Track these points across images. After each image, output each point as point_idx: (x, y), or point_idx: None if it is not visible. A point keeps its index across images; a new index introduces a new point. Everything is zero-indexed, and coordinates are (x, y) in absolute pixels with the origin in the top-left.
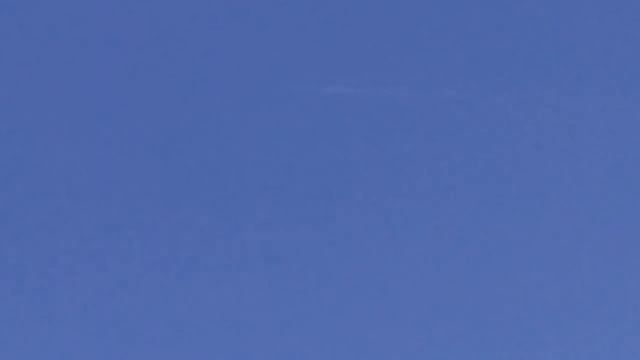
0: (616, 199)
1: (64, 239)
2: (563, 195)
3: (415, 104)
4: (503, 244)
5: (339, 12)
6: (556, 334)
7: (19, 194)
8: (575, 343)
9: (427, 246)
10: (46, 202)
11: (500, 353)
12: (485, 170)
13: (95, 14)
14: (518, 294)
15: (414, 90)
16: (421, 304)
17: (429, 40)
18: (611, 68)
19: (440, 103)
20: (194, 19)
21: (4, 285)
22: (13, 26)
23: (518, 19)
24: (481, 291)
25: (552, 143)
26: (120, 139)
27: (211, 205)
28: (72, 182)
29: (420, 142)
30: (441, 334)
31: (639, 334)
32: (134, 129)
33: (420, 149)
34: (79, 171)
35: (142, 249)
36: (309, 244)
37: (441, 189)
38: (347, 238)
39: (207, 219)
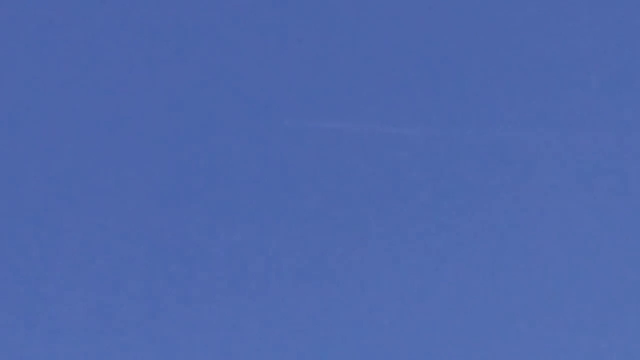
0: (617, 203)
1: (64, 239)
2: (565, 201)
3: (415, 140)
4: (504, 249)
5: (339, 45)
6: (556, 334)
7: (19, 194)
8: (575, 343)
9: (428, 254)
10: (46, 202)
11: (500, 353)
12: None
13: (83, 21)
14: (519, 295)
15: (415, 127)
16: (422, 306)
17: (427, 76)
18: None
19: (436, 140)
20: (191, 47)
21: (3, 285)
22: (13, 26)
23: (520, 52)
24: (481, 294)
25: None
26: (114, 146)
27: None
28: (69, 182)
29: (417, 178)
30: (441, 335)
31: (638, 333)
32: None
33: (419, 185)
34: (76, 172)
35: (141, 250)
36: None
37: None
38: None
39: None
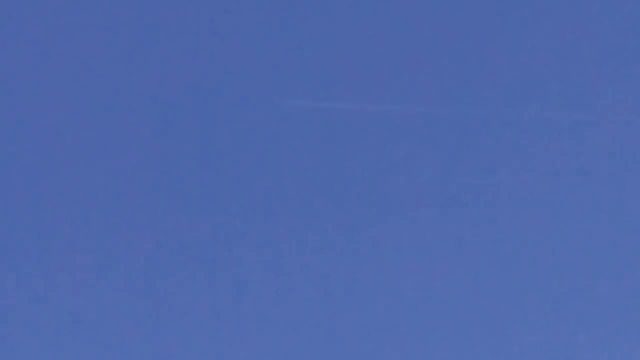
0: (618, 202)
1: (63, 238)
2: (568, 197)
3: (409, 119)
4: (506, 249)
5: (336, 25)
6: (556, 335)
7: (18, 194)
8: (574, 344)
9: (429, 252)
10: (46, 202)
11: (501, 353)
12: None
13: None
14: (519, 296)
15: (408, 105)
16: (422, 308)
17: (422, 55)
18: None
19: (432, 118)
20: (186, 30)
21: (4, 285)
22: (12, 26)
23: (516, 32)
24: (482, 295)
25: (555, 152)
26: (112, 145)
27: (204, 215)
28: (68, 182)
29: (410, 156)
30: (442, 336)
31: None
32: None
33: (411, 162)
34: (73, 173)
35: (139, 252)
36: (310, 253)
37: (441, 198)
38: (349, 244)
39: (202, 227)
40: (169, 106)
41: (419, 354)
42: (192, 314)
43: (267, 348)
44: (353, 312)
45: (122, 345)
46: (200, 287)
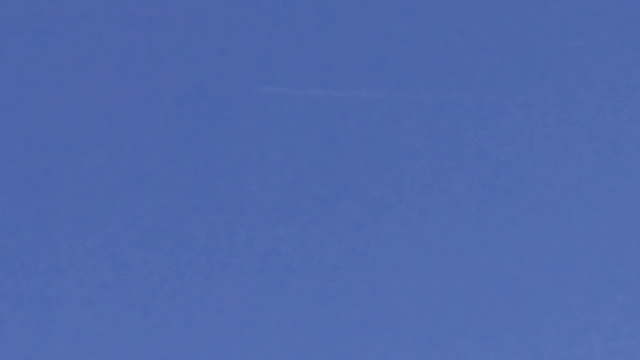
0: (618, 200)
1: (62, 238)
2: (564, 193)
3: (394, 105)
4: (505, 244)
5: (323, 12)
6: (556, 335)
7: (18, 194)
8: (575, 344)
9: (426, 247)
10: (45, 202)
11: (500, 353)
12: (482, 171)
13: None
14: (519, 294)
15: (395, 91)
16: (422, 305)
17: (409, 41)
18: (611, 69)
19: (419, 104)
20: (170, 20)
21: (4, 285)
22: (13, 26)
23: (514, 19)
24: (482, 292)
25: (555, 142)
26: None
27: (189, 205)
28: (66, 182)
29: (401, 142)
30: (441, 335)
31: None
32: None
33: (394, 149)
34: (70, 172)
35: (137, 251)
36: (299, 244)
37: (434, 187)
38: (333, 238)
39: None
40: (145, 96)
41: (418, 354)
42: (191, 314)
43: (266, 348)
44: (341, 306)
45: (122, 345)
46: (183, 282)
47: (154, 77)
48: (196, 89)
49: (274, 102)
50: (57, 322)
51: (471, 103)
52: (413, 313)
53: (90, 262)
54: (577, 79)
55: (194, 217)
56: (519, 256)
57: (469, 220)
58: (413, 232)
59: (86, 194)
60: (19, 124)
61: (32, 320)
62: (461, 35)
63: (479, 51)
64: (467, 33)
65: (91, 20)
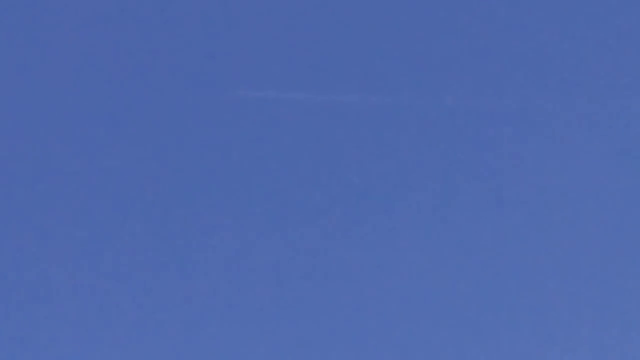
0: (618, 201)
1: (63, 238)
2: (563, 194)
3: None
4: (503, 246)
5: (292, 13)
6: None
7: (18, 194)
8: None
9: (423, 249)
10: (46, 202)
11: (499, 353)
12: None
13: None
14: (519, 295)
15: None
16: (421, 305)
17: (379, 44)
18: (610, 69)
19: (399, 107)
20: (156, 22)
21: (4, 285)
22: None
23: (507, 22)
24: (482, 293)
25: (552, 145)
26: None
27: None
28: (65, 182)
29: (372, 146)
30: (440, 334)
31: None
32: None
33: (375, 152)
34: (68, 172)
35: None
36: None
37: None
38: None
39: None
40: (129, 98)
41: (418, 354)
42: (191, 314)
43: (266, 348)
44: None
45: (121, 345)
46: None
47: (138, 80)
48: (182, 91)
49: (258, 106)
50: (57, 322)
51: (464, 107)
52: (412, 312)
53: (87, 262)
54: (575, 81)
55: (179, 217)
56: (518, 256)
57: (465, 223)
58: (405, 234)
59: (69, 193)
60: (14, 124)
61: (31, 320)
62: (454, 38)
63: (473, 54)
64: (460, 35)
65: (76, 20)
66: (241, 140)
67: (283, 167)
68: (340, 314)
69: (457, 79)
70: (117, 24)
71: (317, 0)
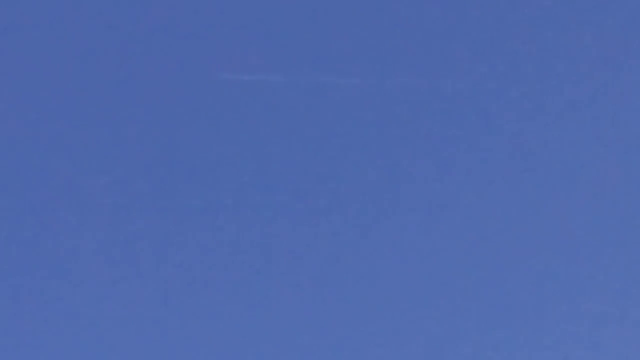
0: (616, 200)
1: (63, 238)
2: (562, 188)
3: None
4: (489, 231)
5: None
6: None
7: (18, 194)
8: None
9: (412, 235)
10: (46, 202)
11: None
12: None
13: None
14: (511, 285)
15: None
16: (417, 296)
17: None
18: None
19: (385, 90)
20: (135, 4)
21: (4, 285)
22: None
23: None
24: (474, 283)
25: (542, 129)
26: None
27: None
28: (64, 182)
29: (350, 126)
30: (439, 333)
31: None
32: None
33: (353, 133)
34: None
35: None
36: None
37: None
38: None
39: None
40: (108, 82)
41: (418, 354)
42: (191, 314)
43: (266, 348)
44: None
45: (121, 345)
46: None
47: (116, 64)
48: (154, 73)
49: (237, 88)
50: (57, 322)
51: (454, 91)
52: (410, 311)
53: (84, 261)
54: (575, 76)
55: (160, 204)
56: (515, 253)
57: (461, 212)
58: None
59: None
60: (19, 124)
61: (32, 320)
62: (446, 23)
63: (467, 40)
64: (450, 20)
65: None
66: (227, 124)
67: (268, 151)
68: (337, 313)
69: (449, 63)
70: (99, 6)
71: None
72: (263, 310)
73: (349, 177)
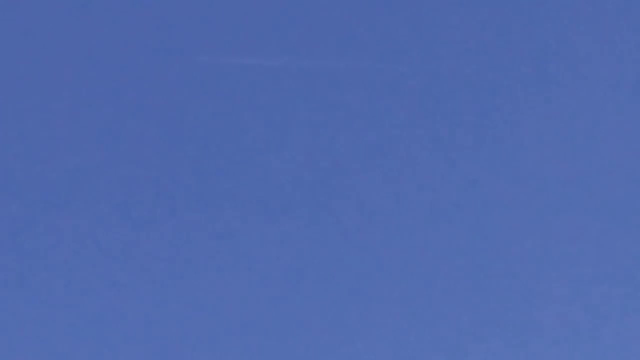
0: (616, 199)
1: (63, 238)
2: (560, 188)
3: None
4: (489, 231)
5: None
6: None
7: (19, 193)
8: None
9: (397, 225)
10: (46, 201)
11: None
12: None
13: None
14: (512, 285)
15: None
16: (414, 290)
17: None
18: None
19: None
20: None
21: (4, 285)
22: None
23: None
24: (474, 283)
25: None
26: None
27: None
28: (64, 181)
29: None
30: (439, 333)
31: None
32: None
33: (335, 117)
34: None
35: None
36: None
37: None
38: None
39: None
40: (84, 62)
41: (417, 354)
42: (190, 313)
43: (265, 348)
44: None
45: (122, 345)
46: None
47: (95, 49)
48: (133, 57)
49: (213, 72)
50: (57, 322)
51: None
52: (409, 310)
53: (84, 262)
54: (573, 72)
55: (145, 192)
56: (515, 253)
57: (454, 203)
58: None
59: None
60: (19, 124)
61: (32, 320)
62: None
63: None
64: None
65: None
66: (213, 108)
67: (257, 136)
68: (336, 312)
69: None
70: None
71: None
72: (263, 310)
73: (339, 167)
